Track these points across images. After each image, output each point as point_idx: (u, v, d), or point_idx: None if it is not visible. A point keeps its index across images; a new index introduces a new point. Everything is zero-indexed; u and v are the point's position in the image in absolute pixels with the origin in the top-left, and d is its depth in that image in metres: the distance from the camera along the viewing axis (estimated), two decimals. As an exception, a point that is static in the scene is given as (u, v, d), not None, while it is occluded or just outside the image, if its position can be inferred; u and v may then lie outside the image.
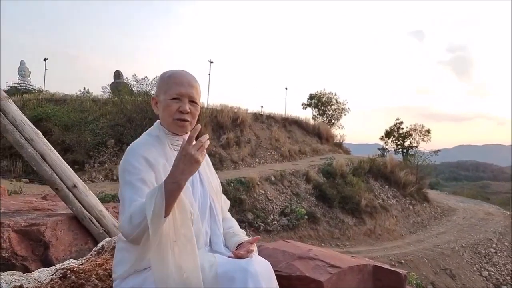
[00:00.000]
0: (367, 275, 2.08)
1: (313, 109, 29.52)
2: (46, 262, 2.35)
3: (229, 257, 1.36)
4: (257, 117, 20.08)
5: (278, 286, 1.37)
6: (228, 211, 1.75)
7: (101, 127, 14.72)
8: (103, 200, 6.31)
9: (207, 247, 1.48)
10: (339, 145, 24.82)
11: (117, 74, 22.68)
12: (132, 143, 1.45)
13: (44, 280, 1.85)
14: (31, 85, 27.92)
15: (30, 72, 28.85)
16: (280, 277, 1.54)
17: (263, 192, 13.20)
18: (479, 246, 13.89)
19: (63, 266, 1.97)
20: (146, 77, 17.49)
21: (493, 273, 12.69)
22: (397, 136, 28.37)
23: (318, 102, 29.19)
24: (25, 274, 1.94)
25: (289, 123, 21.48)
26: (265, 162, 17.29)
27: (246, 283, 1.21)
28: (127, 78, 21.16)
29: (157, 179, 1.37)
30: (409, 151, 27.48)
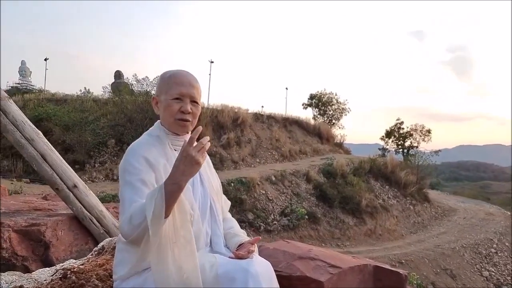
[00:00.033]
0: (368, 275, 2.07)
1: (314, 109, 29.54)
2: (47, 262, 2.35)
3: (229, 257, 1.35)
4: (257, 117, 20.08)
5: (278, 287, 1.36)
6: (229, 211, 1.74)
7: (102, 127, 14.72)
8: (103, 200, 6.32)
9: (207, 247, 1.47)
10: (340, 145, 24.82)
11: (118, 74, 22.70)
12: (132, 143, 1.45)
13: (45, 280, 1.85)
14: (31, 85, 27.94)
15: (30, 72, 28.87)
16: (280, 277, 1.53)
17: (264, 192, 13.20)
18: (480, 246, 13.88)
19: (63, 267, 1.97)
20: (146, 77, 17.52)
21: (493, 273, 12.68)
22: (397, 136, 28.36)
23: (318, 102, 29.19)
24: (26, 275, 1.94)
25: (289, 123, 21.49)
26: (266, 162, 17.29)
27: (247, 283, 1.21)
28: (127, 78, 21.19)
29: (157, 179, 1.37)
30: (410, 151, 27.46)
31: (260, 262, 1.33)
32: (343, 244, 12.67)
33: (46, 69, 30.10)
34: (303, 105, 30.04)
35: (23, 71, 28.35)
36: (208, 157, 1.56)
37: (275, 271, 1.40)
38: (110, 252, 2.12)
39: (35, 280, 1.86)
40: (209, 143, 1.25)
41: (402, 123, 28.50)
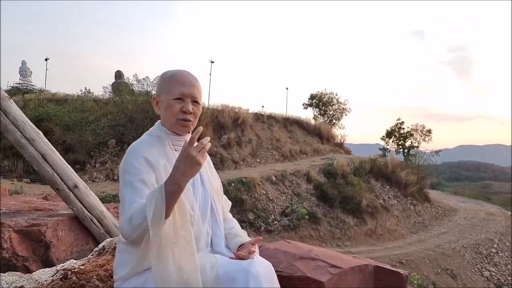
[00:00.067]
0: (368, 275, 2.07)
1: (314, 109, 29.55)
2: (47, 263, 2.35)
3: (230, 258, 1.35)
4: (258, 117, 20.09)
5: (279, 287, 1.36)
6: (229, 211, 1.74)
7: (102, 127, 14.73)
8: (104, 200, 6.32)
9: (208, 248, 1.47)
10: (340, 145, 24.82)
11: (118, 74, 22.71)
12: (132, 143, 1.45)
13: (45, 281, 1.85)
14: (32, 85, 27.96)
15: (31, 72, 28.90)
16: (281, 278, 1.53)
17: (264, 192, 13.20)
18: (480, 246, 13.87)
19: (64, 267, 1.97)
20: (147, 77, 17.55)
21: (494, 274, 12.67)
22: (398, 136, 28.36)
23: (319, 102, 29.20)
24: (26, 275, 1.94)
25: (290, 123, 21.49)
26: (266, 162, 17.30)
27: (248, 284, 1.21)
28: (128, 78, 21.23)
29: (157, 179, 1.37)
30: (410, 151, 27.46)
31: (261, 263, 1.32)
32: (343, 244, 12.67)
33: (46, 69, 30.15)
34: (303, 105, 30.08)
35: (24, 71, 28.37)
36: (208, 157, 1.55)
37: (276, 271, 1.40)
38: (111, 252, 2.11)
39: (36, 280, 1.86)
40: (210, 143, 1.25)
41: (402, 123, 28.53)
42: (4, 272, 1.93)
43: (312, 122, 24.09)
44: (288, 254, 2.03)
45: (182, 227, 1.25)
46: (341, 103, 29.29)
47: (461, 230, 15.43)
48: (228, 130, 17.28)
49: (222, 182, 1.71)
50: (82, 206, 2.61)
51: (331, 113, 29.13)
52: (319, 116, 28.83)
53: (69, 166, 2.64)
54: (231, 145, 16.72)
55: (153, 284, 1.25)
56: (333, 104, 29.20)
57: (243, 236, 1.55)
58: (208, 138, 1.25)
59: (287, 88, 36.46)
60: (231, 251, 1.45)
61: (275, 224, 12.17)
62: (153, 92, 14.94)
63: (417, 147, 27.43)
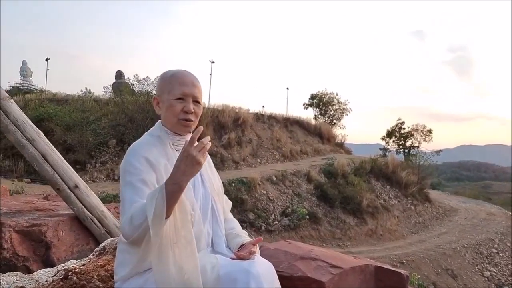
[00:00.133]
0: (369, 275, 2.07)
1: (315, 109, 29.55)
2: (48, 263, 2.35)
3: (231, 258, 1.35)
4: (258, 117, 20.09)
5: (280, 288, 1.36)
6: (230, 211, 1.74)
7: (103, 127, 14.74)
8: (104, 200, 6.32)
9: (209, 248, 1.47)
10: (341, 145, 24.81)
11: (119, 74, 22.72)
12: (133, 143, 1.45)
13: (46, 281, 1.85)
14: (32, 85, 27.99)
15: (32, 72, 28.93)
16: (282, 278, 1.53)
17: (265, 192, 13.20)
18: (481, 247, 13.86)
19: (64, 267, 1.97)
20: (147, 77, 17.54)
21: (495, 274, 12.67)
22: (398, 136, 28.37)
23: (319, 102, 29.19)
24: (27, 275, 1.94)
25: (290, 123, 21.49)
26: (267, 162, 17.30)
27: (249, 284, 1.21)
28: (128, 78, 21.22)
29: (158, 179, 1.37)
30: (411, 151, 27.46)
31: (261, 263, 1.32)
32: (344, 244, 12.67)
33: (47, 69, 30.17)
34: (304, 105, 30.07)
35: (24, 71, 28.41)
36: (209, 157, 1.55)
37: (277, 271, 1.39)
38: (111, 252, 2.11)
39: (36, 280, 1.86)
40: (210, 143, 1.24)
41: (403, 123, 28.53)
42: (4, 272, 1.93)
43: (313, 122, 24.12)
44: (289, 254, 2.03)
45: (183, 227, 1.25)
46: (341, 103, 29.31)
47: (461, 230, 15.42)
48: (228, 130, 17.28)
49: (222, 182, 1.70)
50: (83, 206, 2.61)
51: (331, 113, 29.13)
52: (319, 116, 28.85)
53: (70, 166, 2.64)
54: (231, 145, 16.73)
55: (154, 284, 1.24)
56: (333, 104, 29.20)
57: (244, 236, 1.54)
58: (209, 138, 1.25)
59: (287, 88, 36.42)
60: (232, 252, 1.45)
61: (276, 224, 12.17)
62: (154, 92, 14.95)
63: (418, 147, 27.44)
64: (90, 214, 2.63)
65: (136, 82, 17.86)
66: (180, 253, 1.22)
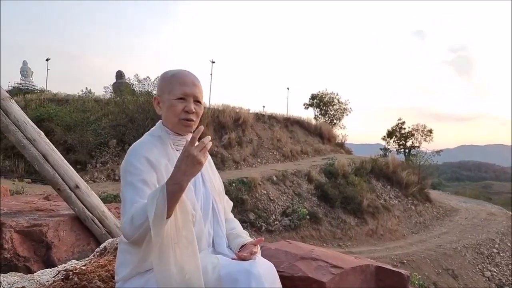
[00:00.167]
0: (370, 275, 2.07)
1: (315, 109, 29.55)
2: (49, 263, 2.35)
3: (232, 258, 1.35)
4: (259, 117, 20.09)
5: (281, 288, 1.36)
6: (231, 211, 1.74)
7: (103, 127, 14.74)
8: (105, 200, 6.32)
9: (210, 248, 1.47)
10: (341, 145, 24.81)
11: (119, 74, 22.72)
12: (134, 144, 1.44)
13: (47, 281, 1.85)
14: (33, 85, 28.01)
15: (32, 72, 28.94)
16: (282, 278, 1.53)
17: (265, 192, 13.20)
18: (482, 247, 13.85)
19: (65, 267, 1.97)
20: (148, 77, 17.56)
21: (495, 274, 12.65)
22: (399, 136, 28.36)
23: (320, 102, 29.19)
24: (27, 276, 1.94)
25: (291, 123, 21.49)
26: (267, 162, 17.29)
27: (250, 284, 1.21)
28: (129, 78, 21.23)
29: (158, 179, 1.36)
30: (411, 151, 27.45)
31: (263, 263, 1.32)
32: (344, 244, 12.66)
33: (47, 69, 30.20)
34: (304, 105, 30.07)
35: (25, 71, 28.43)
36: (210, 157, 1.55)
37: (277, 271, 1.39)
38: (112, 253, 2.11)
39: (37, 281, 1.86)
40: (211, 142, 1.24)
41: (403, 123, 28.52)
42: (5, 273, 1.93)
43: (313, 122, 24.11)
44: (289, 254, 2.03)
45: (184, 227, 1.25)
46: (342, 103, 29.32)
47: (462, 230, 15.41)
48: (229, 130, 17.28)
49: (223, 182, 1.70)
50: (84, 207, 2.61)
51: (332, 113, 29.13)
52: (320, 116, 28.84)
53: (70, 166, 2.64)
54: (232, 145, 16.72)
55: (155, 285, 1.24)
56: (334, 104, 29.20)
57: (245, 236, 1.54)
58: (209, 138, 1.24)
59: (288, 88, 36.41)
60: (233, 252, 1.45)
61: (276, 224, 12.17)
62: (154, 92, 14.96)
63: (418, 147, 27.41)
64: (90, 214, 2.63)
65: (136, 82, 17.88)
66: (181, 253, 1.22)
